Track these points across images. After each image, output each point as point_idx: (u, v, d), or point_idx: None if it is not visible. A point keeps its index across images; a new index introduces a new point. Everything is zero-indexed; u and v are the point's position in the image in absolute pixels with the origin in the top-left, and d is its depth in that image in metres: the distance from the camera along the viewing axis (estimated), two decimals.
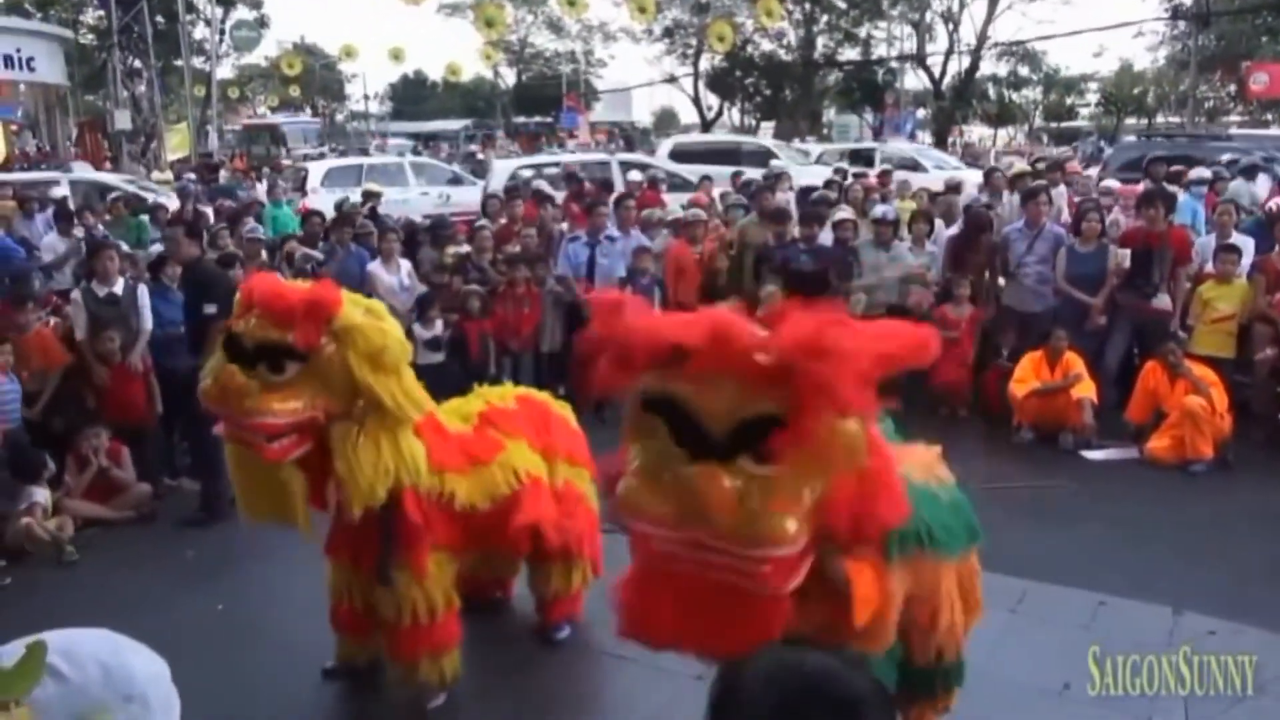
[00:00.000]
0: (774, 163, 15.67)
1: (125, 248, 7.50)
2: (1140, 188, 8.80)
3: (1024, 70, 42.12)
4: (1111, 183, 10.46)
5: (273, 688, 3.94)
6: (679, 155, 18.06)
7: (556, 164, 15.77)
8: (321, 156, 24.53)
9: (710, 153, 18.40)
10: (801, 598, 2.11)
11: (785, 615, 2.04)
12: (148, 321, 6.31)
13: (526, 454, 3.83)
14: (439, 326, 7.35)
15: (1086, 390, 6.73)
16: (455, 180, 16.89)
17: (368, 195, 11.41)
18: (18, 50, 23.26)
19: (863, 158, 18.95)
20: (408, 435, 3.42)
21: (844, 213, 8.29)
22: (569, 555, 4.06)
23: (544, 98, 44.87)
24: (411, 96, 53.27)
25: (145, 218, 10.19)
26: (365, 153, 27.41)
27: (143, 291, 6.45)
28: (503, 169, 15.63)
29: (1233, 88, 36.63)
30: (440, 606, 3.62)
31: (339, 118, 50.73)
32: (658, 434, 2.02)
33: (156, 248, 7.25)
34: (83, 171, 16.66)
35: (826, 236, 7.96)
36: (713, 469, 1.92)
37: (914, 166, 17.64)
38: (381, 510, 3.43)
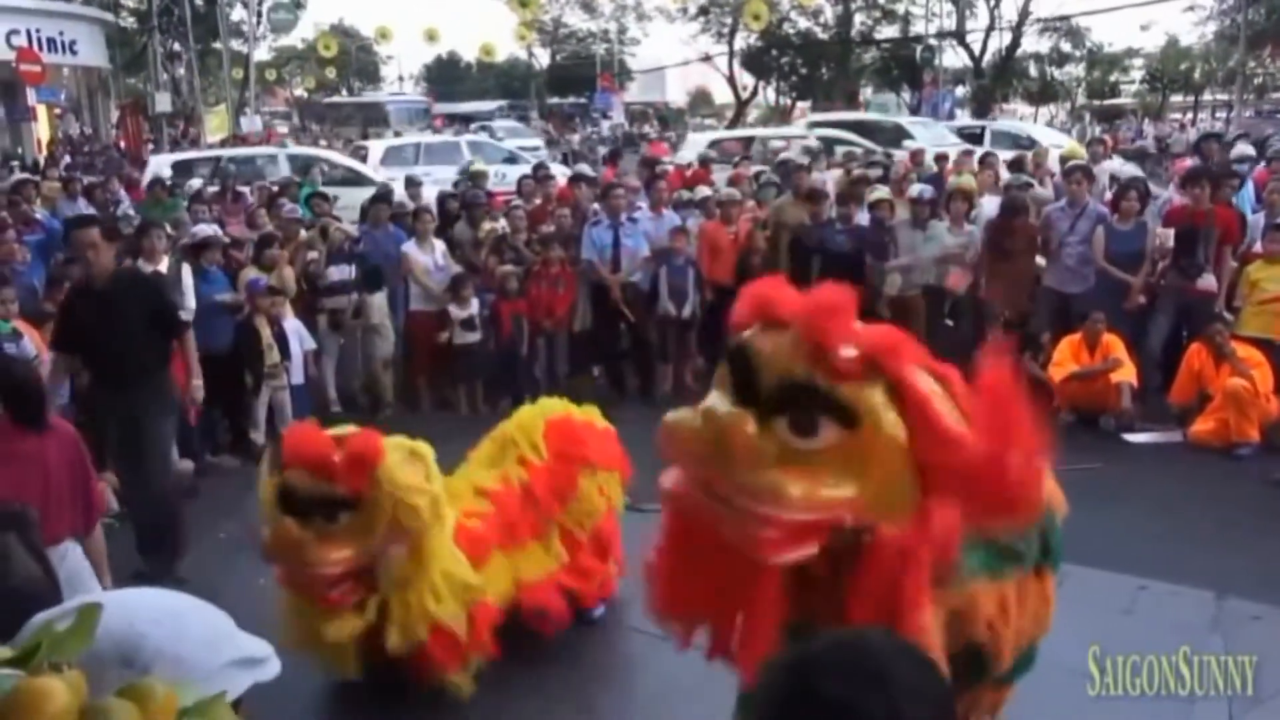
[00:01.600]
0: (907, 142, 15.22)
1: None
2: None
3: (1067, 46, 41.22)
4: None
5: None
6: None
7: (750, 138, 15.72)
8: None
9: (846, 130, 17.64)
10: (808, 586, 2.10)
11: (774, 595, 2.07)
12: (190, 301, 6.40)
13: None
14: (474, 306, 7.39)
15: (1126, 374, 6.61)
16: (511, 159, 16.74)
17: (475, 176, 10.71)
18: (60, 33, 23.57)
19: (969, 135, 17.67)
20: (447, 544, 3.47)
21: (880, 192, 8.18)
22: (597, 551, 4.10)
23: (578, 78, 44.73)
24: (446, 77, 53.29)
25: (187, 195, 10.32)
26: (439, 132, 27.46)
27: (186, 271, 6.54)
28: (695, 141, 15.91)
29: None
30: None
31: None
32: (725, 384, 2.10)
33: (201, 227, 7.36)
34: (297, 148, 17.80)
35: (865, 216, 7.88)
36: (746, 414, 1.98)
37: (1030, 145, 15.65)
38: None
